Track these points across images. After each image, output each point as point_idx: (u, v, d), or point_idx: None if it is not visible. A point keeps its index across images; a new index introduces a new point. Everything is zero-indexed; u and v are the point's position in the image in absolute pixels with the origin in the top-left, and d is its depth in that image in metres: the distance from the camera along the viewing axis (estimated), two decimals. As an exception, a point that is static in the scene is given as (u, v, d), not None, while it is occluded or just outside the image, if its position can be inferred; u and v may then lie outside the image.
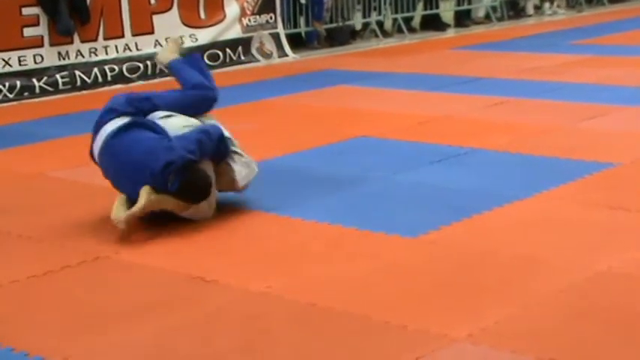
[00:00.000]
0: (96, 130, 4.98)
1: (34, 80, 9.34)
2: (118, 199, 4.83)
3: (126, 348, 3.48)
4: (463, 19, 14.39)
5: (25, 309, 3.93)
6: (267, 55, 11.35)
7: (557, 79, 8.99)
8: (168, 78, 10.11)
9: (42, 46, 9.46)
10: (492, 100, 7.98)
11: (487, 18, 14.86)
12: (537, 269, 4.10)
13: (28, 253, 4.63)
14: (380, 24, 13.41)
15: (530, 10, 15.52)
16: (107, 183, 5.04)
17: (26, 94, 9.23)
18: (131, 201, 4.77)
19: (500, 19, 14.97)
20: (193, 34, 10.66)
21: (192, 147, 4.76)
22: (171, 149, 4.74)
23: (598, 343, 3.37)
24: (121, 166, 4.85)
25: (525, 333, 3.45)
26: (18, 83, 9.19)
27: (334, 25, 12.60)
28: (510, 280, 4.00)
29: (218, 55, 10.83)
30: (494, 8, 14.95)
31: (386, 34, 13.40)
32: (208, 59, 10.69)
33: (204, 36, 10.76)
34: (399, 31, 13.55)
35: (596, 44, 11.63)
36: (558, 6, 15.84)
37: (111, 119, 4.95)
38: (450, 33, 13.89)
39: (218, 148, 4.94)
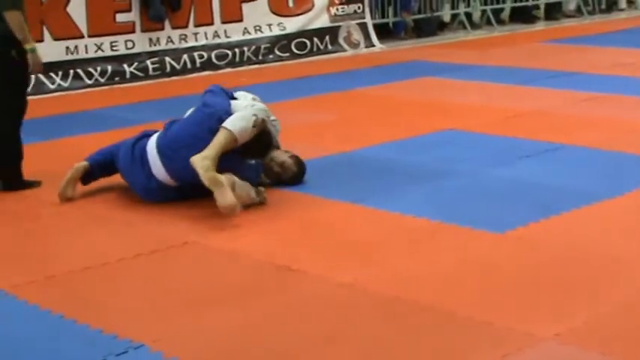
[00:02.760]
0: None
1: (125, 65, 9.50)
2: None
3: (213, 333, 3.52)
4: (553, 12, 14.17)
5: (113, 291, 4.00)
6: (355, 45, 11.34)
7: (651, 75, 8.80)
8: (255, 66, 10.29)
9: (134, 32, 9.62)
10: (584, 96, 7.84)
11: (578, 11, 14.61)
12: (625, 269, 4.03)
13: (119, 236, 4.72)
14: (468, 16, 13.28)
15: (622, 4, 15.21)
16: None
17: (117, 79, 9.39)
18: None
19: (591, 13, 14.70)
20: (281, 23, 10.71)
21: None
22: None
23: (690, 348, 3.29)
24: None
25: (615, 335, 3.39)
26: (109, 68, 9.35)
27: (422, 15, 12.54)
28: (598, 280, 3.93)
29: (305, 44, 10.85)
30: (585, 1, 14.68)
31: (474, 25, 13.27)
32: (296, 48, 10.74)
33: (292, 25, 10.80)
34: (488, 23, 13.40)
35: (692, 40, 11.34)
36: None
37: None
38: (540, 26, 13.70)
39: None
